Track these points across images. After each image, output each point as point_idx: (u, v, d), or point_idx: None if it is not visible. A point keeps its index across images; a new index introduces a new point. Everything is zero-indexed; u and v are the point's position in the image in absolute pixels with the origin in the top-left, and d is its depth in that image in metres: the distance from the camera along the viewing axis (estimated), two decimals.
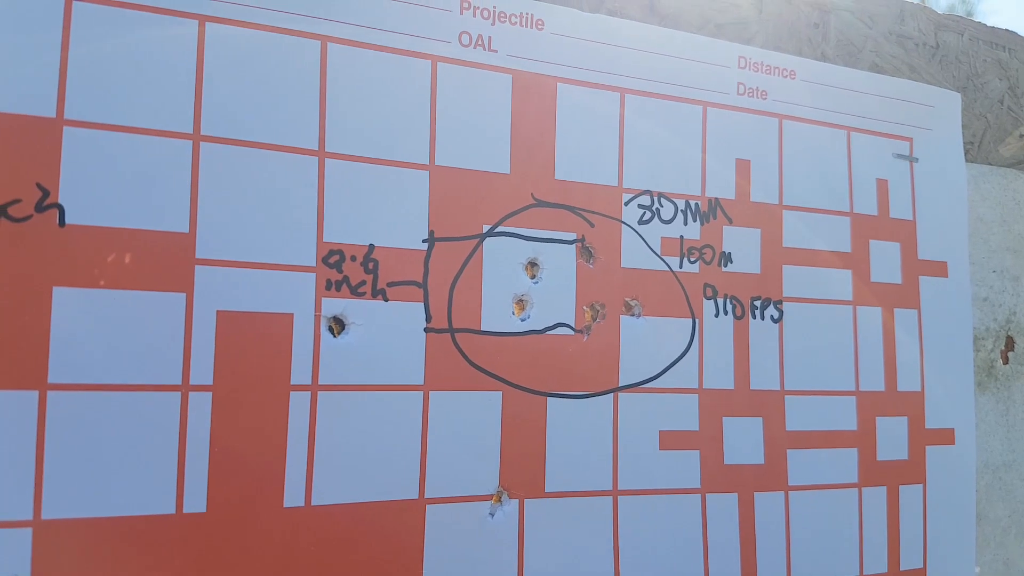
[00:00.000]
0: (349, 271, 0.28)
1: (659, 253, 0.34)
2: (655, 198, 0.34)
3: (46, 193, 0.24)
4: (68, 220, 0.24)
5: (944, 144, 0.41)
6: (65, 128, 0.25)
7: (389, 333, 0.29)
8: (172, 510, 0.25)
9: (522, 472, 0.30)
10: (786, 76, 0.37)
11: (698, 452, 0.33)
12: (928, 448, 0.38)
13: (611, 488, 0.32)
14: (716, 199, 0.35)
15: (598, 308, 0.32)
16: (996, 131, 0.44)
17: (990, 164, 0.43)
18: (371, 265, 0.29)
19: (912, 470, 0.38)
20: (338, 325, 0.28)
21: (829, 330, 0.37)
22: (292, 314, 0.27)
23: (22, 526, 0.23)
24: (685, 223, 0.34)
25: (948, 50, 0.43)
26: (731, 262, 0.35)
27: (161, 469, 0.25)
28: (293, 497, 0.26)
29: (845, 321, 0.37)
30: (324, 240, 0.28)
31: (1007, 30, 0.44)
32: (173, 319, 0.25)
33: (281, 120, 0.28)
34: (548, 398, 0.31)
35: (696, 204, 0.34)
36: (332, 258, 0.28)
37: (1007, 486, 0.41)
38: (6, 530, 0.23)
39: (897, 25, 0.41)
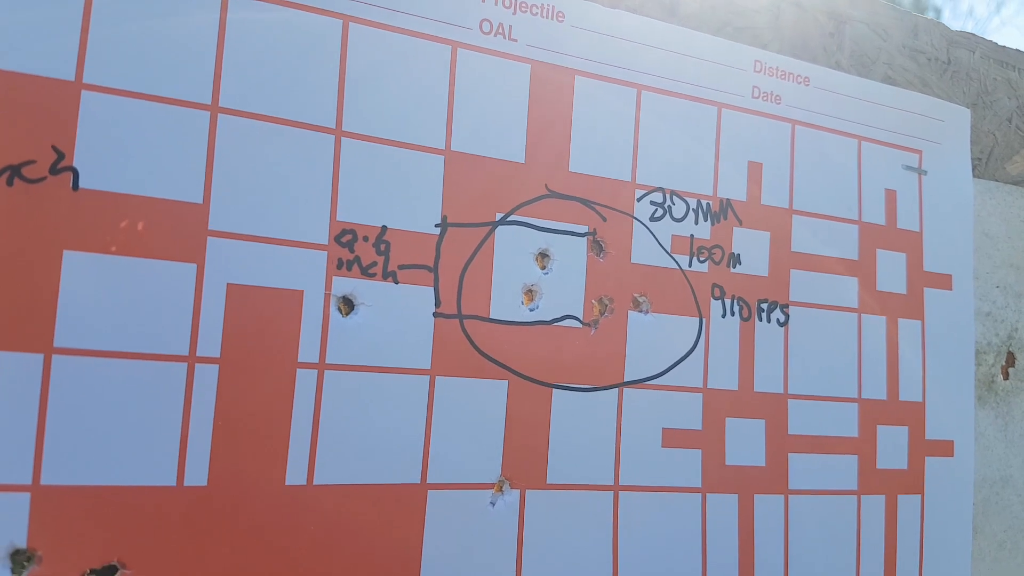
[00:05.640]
0: (361, 251, 0.28)
1: (669, 251, 0.33)
2: (667, 195, 0.34)
3: (61, 156, 0.24)
4: (82, 184, 0.24)
5: (953, 158, 0.41)
6: (83, 92, 0.25)
7: (398, 316, 0.28)
8: (173, 482, 0.25)
9: (525, 462, 0.30)
10: (800, 82, 0.37)
11: (700, 451, 0.33)
12: (928, 459, 0.38)
13: (613, 483, 0.31)
14: (727, 200, 0.35)
15: (606, 302, 0.32)
16: (1004, 148, 0.44)
17: (997, 181, 0.44)
18: (383, 247, 0.28)
19: (911, 480, 0.38)
20: (347, 305, 0.28)
21: (834, 336, 0.37)
22: (302, 291, 0.27)
23: (20, 490, 0.23)
24: (696, 222, 0.34)
25: (959, 66, 0.43)
26: (740, 263, 0.35)
27: (164, 440, 0.25)
28: (295, 475, 0.26)
29: (850, 328, 0.37)
30: (337, 219, 0.28)
31: (1018, 50, 0.45)
32: (183, 289, 0.25)
33: (299, 97, 0.27)
34: (553, 389, 0.31)
35: (708, 204, 0.34)
36: (344, 237, 0.28)
37: (1004, 501, 0.41)
38: (4, 494, 0.23)
39: (911, 39, 0.41)
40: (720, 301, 0.34)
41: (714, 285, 0.34)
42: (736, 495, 0.34)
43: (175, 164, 0.25)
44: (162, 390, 0.25)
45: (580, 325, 0.32)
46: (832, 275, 0.37)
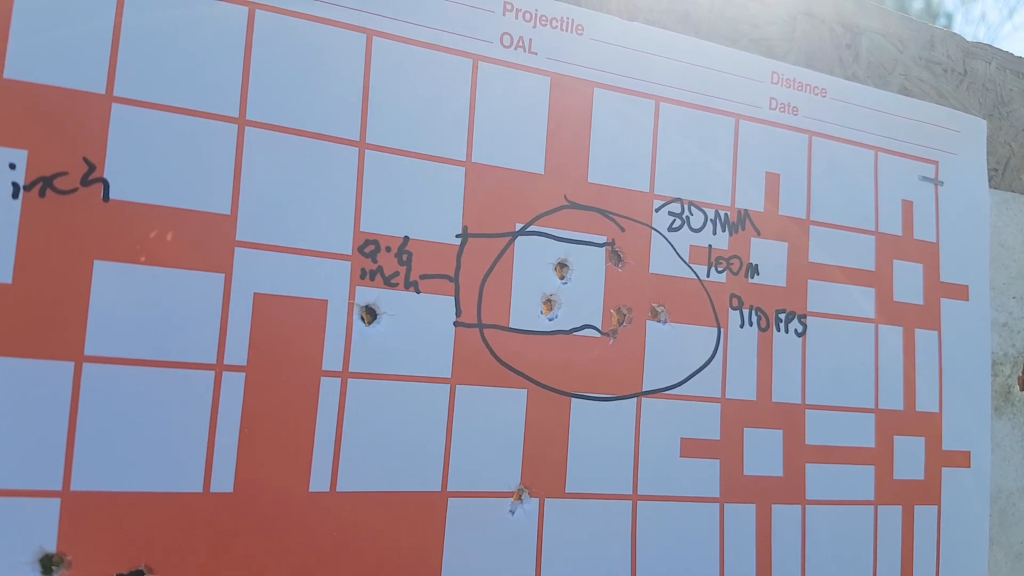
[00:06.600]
0: (383, 261, 0.28)
1: (687, 261, 0.34)
2: (686, 206, 0.34)
3: (92, 167, 0.25)
4: (112, 195, 0.25)
5: (969, 169, 0.41)
6: (114, 105, 0.25)
7: (419, 325, 0.29)
8: (200, 489, 0.25)
9: (544, 471, 0.30)
10: (817, 93, 0.38)
11: (718, 461, 0.33)
12: (944, 470, 0.38)
13: (631, 492, 0.31)
14: (745, 211, 0.35)
15: (625, 312, 0.32)
16: (1020, 159, 0.44)
17: (1013, 191, 0.44)
18: (405, 257, 0.29)
19: (928, 491, 0.38)
20: (369, 314, 0.28)
21: (851, 347, 0.37)
22: (327, 300, 0.27)
23: (51, 496, 0.23)
24: (714, 232, 0.34)
25: (975, 77, 0.43)
26: (758, 274, 0.35)
27: (191, 447, 0.25)
28: (319, 482, 0.26)
29: (867, 339, 0.37)
30: (360, 229, 0.28)
31: None
32: (211, 299, 0.25)
33: (324, 109, 0.28)
34: (572, 399, 0.31)
35: (726, 214, 0.35)
36: (368, 248, 0.28)
37: (1021, 512, 0.41)
38: (35, 499, 0.23)
39: (927, 50, 0.42)
40: (738, 311, 0.34)
41: (732, 295, 0.34)
42: (754, 505, 0.34)
43: (203, 176, 0.26)
44: (190, 398, 0.25)
45: (599, 335, 0.32)
46: (849, 286, 0.37)
